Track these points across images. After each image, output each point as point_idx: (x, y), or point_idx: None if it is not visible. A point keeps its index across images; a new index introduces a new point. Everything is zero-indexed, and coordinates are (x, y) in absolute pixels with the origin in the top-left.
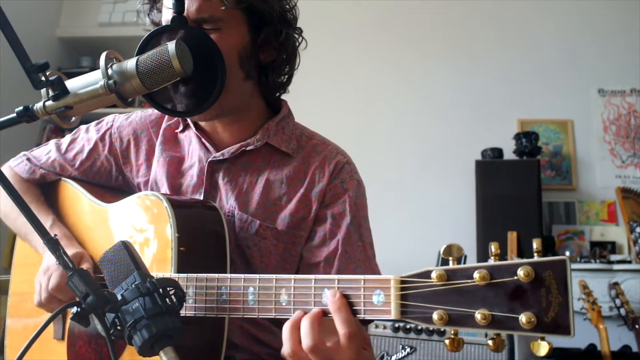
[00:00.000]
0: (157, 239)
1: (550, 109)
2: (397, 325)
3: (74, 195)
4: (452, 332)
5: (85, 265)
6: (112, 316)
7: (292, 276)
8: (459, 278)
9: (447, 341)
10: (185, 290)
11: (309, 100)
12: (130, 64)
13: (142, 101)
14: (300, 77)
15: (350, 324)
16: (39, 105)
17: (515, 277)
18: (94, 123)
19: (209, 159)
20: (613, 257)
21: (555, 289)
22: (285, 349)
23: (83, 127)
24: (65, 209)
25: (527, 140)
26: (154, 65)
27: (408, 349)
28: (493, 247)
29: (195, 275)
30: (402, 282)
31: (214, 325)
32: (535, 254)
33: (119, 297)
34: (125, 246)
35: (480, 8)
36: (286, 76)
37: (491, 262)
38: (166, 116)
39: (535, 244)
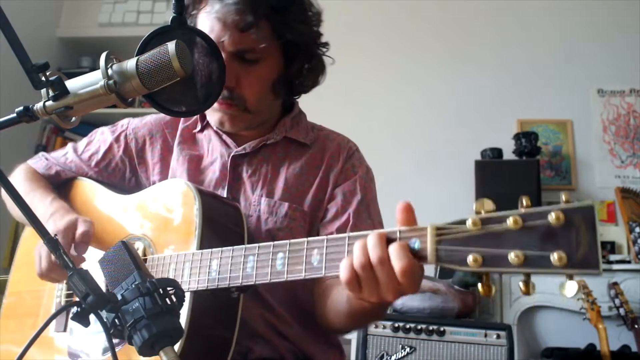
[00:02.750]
0: (182, 219)
1: (549, 109)
2: (397, 325)
3: (90, 188)
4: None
5: (83, 226)
6: (112, 316)
7: (325, 237)
8: (492, 224)
9: (482, 287)
10: (209, 264)
11: (308, 99)
12: (130, 64)
13: (142, 101)
14: None
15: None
16: (39, 105)
17: (547, 220)
18: (108, 126)
19: (232, 154)
20: (612, 257)
21: (584, 229)
22: (355, 261)
23: (98, 130)
24: (81, 201)
25: (527, 140)
26: (154, 66)
27: (408, 349)
28: (525, 201)
29: (220, 249)
30: (438, 228)
31: (228, 303)
32: (563, 203)
33: (119, 297)
34: (125, 246)
35: (480, 8)
36: (310, 86)
37: (522, 210)
38: (182, 117)
39: (564, 197)
